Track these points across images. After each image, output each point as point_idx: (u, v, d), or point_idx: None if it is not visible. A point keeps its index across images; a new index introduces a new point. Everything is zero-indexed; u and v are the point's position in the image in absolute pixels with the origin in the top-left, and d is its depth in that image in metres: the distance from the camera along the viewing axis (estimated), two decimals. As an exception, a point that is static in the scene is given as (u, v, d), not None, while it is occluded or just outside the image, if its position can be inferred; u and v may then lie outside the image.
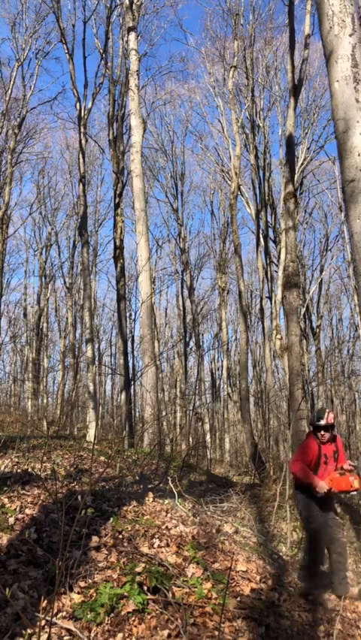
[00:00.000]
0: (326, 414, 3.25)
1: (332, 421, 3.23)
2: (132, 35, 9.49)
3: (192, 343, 20.62)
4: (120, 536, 2.87)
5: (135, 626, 2.07)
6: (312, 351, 18.85)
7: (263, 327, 15.02)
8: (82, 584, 2.29)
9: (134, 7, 9.74)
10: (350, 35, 2.49)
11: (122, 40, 11.78)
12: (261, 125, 14.93)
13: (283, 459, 8.99)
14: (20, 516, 2.87)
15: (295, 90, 7.71)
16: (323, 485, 3.11)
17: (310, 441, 3.25)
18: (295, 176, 9.60)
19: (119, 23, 12.21)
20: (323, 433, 3.22)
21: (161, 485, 4.34)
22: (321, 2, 2.64)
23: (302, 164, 14.08)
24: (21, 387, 19.20)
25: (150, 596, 2.26)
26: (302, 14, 10.48)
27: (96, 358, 14.59)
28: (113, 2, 11.90)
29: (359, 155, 2.37)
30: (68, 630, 1.96)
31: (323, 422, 3.21)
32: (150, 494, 3.78)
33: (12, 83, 14.29)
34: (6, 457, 4.50)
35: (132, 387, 12.26)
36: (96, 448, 7.15)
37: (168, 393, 21.09)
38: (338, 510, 3.86)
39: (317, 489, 3.10)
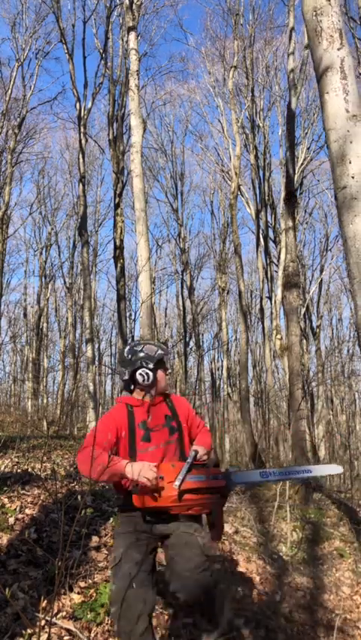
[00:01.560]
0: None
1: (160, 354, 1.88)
2: (132, 35, 9.49)
3: (192, 343, 20.63)
4: (120, 536, 2.87)
5: (135, 626, 2.06)
6: (312, 351, 18.85)
7: (263, 327, 15.03)
8: (82, 584, 2.29)
9: (134, 6, 9.74)
10: (339, 49, 2.58)
11: (122, 40, 11.78)
12: (261, 125, 14.93)
13: (284, 459, 9.00)
14: (20, 516, 2.87)
15: (295, 89, 7.71)
16: (139, 470, 1.62)
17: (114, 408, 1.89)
18: (295, 176, 9.60)
19: (119, 23, 12.22)
20: (143, 379, 1.84)
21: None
22: (309, 19, 2.74)
23: (302, 164, 14.07)
24: (21, 388, 19.20)
25: (150, 596, 2.26)
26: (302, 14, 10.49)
27: (96, 358, 14.59)
28: (112, 2, 11.90)
29: (350, 162, 2.45)
30: (68, 630, 1.96)
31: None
32: (150, 494, 3.78)
33: (12, 83, 14.29)
34: (6, 457, 4.50)
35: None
36: (96, 448, 7.13)
37: (168, 393, 21.06)
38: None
39: (129, 476, 1.63)
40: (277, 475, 2.00)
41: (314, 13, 2.69)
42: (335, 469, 2.06)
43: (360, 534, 4.17)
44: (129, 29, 9.50)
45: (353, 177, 2.45)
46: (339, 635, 2.55)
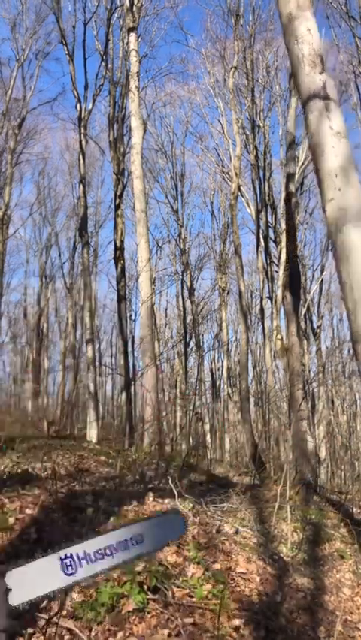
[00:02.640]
0: None
1: None
2: (132, 36, 9.51)
3: (192, 343, 20.63)
4: (120, 536, 2.86)
5: (135, 625, 2.07)
6: (312, 352, 18.85)
7: (263, 328, 15.03)
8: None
9: (134, 8, 9.76)
10: (320, 73, 2.81)
11: (123, 41, 11.79)
12: (261, 125, 14.94)
13: (284, 459, 8.99)
14: (20, 516, 2.87)
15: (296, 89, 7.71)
16: None
17: None
18: (296, 176, 9.61)
19: (120, 25, 12.23)
20: None
21: (161, 485, 4.34)
22: (292, 48, 2.96)
23: (303, 163, 14.08)
24: (21, 388, 19.21)
25: (150, 596, 2.26)
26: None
27: (97, 359, 14.60)
28: (113, 4, 11.92)
29: (336, 175, 2.61)
30: (69, 629, 1.96)
31: None
32: (150, 494, 3.78)
33: (12, 83, 14.32)
34: (6, 457, 4.50)
35: (132, 387, 12.26)
36: (97, 448, 7.15)
37: (169, 393, 21.09)
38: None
39: None
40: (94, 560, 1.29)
41: (296, 41, 2.89)
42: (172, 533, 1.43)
43: (360, 535, 4.16)
44: (129, 30, 9.52)
45: (339, 190, 2.60)
46: (340, 637, 2.55)
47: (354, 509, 5.59)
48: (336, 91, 2.87)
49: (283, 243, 11.55)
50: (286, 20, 3.03)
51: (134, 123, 9.02)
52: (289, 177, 7.80)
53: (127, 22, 9.68)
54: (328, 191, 2.63)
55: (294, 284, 7.09)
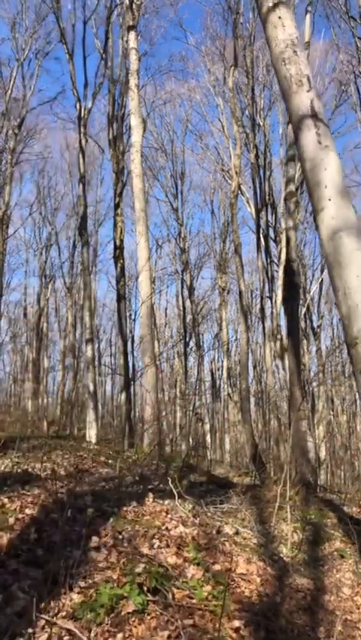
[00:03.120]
0: None
1: None
2: (132, 34, 9.49)
3: (192, 343, 20.62)
4: (120, 537, 2.86)
5: (135, 627, 2.06)
6: (312, 351, 18.84)
7: (263, 327, 15.01)
8: (82, 584, 2.29)
9: (134, 6, 9.74)
10: (308, 91, 2.98)
11: (122, 39, 11.77)
12: (261, 123, 14.92)
13: (284, 459, 8.98)
14: (20, 516, 2.87)
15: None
16: None
17: None
18: (296, 175, 9.60)
19: (119, 23, 12.21)
20: None
21: (161, 486, 4.33)
22: (279, 69, 3.14)
23: (303, 163, 14.05)
24: (21, 388, 19.21)
25: (150, 597, 2.26)
26: (302, 13, 10.48)
27: (96, 358, 14.60)
28: (113, 2, 11.90)
29: (326, 186, 2.76)
30: (68, 630, 1.95)
31: None
32: (150, 495, 3.78)
33: (12, 83, 14.30)
34: (6, 457, 4.49)
35: (132, 387, 12.26)
36: (96, 448, 7.15)
37: (168, 393, 21.08)
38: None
39: None
40: None
41: (283, 62, 3.09)
42: None
43: (360, 535, 4.16)
44: (129, 28, 9.50)
45: (329, 200, 2.73)
46: (340, 636, 2.54)
47: (354, 509, 5.59)
48: (322, 106, 3.06)
49: (283, 243, 11.54)
50: (273, 45, 3.25)
51: (134, 121, 9.00)
52: (289, 177, 7.80)
53: (127, 20, 9.67)
54: (319, 201, 2.78)
55: (292, 292, 7.11)
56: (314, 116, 2.90)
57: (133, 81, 9.15)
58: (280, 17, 3.16)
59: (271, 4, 3.22)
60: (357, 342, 2.54)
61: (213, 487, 5.52)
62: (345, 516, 4.80)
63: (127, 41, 9.98)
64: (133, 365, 15.33)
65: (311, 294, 18.64)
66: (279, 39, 3.13)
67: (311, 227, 20.63)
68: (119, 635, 2.00)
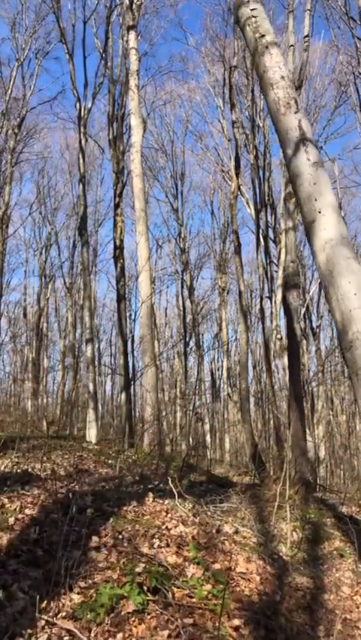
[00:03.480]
0: None
1: None
2: (132, 34, 9.49)
3: (192, 343, 20.62)
4: (120, 536, 2.87)
5: (135, 627, 2.07)
6: (312, 351, 18.85)
7: (263, 327, 15.01)
8: (82, 584, 2.29)
9: (134, 6, 9.74)
10: (295, 113, 3.20)
11: (122, 39, 11.77)
12: (261, 124, 14.93)
13: (284, 459, 8.98)
14: (20, 516, 2.87)
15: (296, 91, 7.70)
16: None
17: None
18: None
19: (119, 23, 12.21)
20: None
21: (161, 485, 4.34)
22: (268, 92, 3.36)
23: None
24: (21, 388, 19.20)
25: (150, 597, 2.26)
26: (302, 14, 10.49)
27: (96, 358, 14.59)
28: (113, 2, 11.90)
29: (316, 200, 2.94)
30: (68, 630, 1.96)
31: None
32: (150, 494, 3.78)
33: (12, 82, 14.30)
34: (6, 457, 4.50)
35: (132, 387, 12.26)
36: (96, 448, 7.15)
37: (168, 393, 21.08)
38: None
39: None
40: None
41: (271, 87, 3.34)
42: None
43: (360, 534, 4.16)
44: (129, 28, 9.50)
45: (319, 212, 2.89)
46: (339, 635, 2.55)
47: (353, 508, 5.59)
48: (309, 125, 3.28)
49: (283, 243, 11.54)
50: (262, 71, 3.50)
51: (134, 121, 9.01)
52: (289, 178, 7.81)
53: (127, 20, 9.67)
54: (310, 214, 2.93)
55: (291, 292, 7.13)
56: (303, 135, 3.12)
57: (133, 81, 9.15)
58: (267, 47, 3.46)
59: (258, 35, 3.51)
60: (352, 346, 2.63)
61: (213, 486, 5.52)
62: (344, 515, 4.81)
63: (127, 40, 9.98)
64: (133, 365, 15.33)
65: (311, 294, 18.65)
66: (267, 66, 3.42)
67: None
68: (119, 635, 2.00)
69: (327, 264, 2.81)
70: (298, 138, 3.12)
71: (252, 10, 3.69)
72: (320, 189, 2.96)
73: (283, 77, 3.35)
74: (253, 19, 3.64)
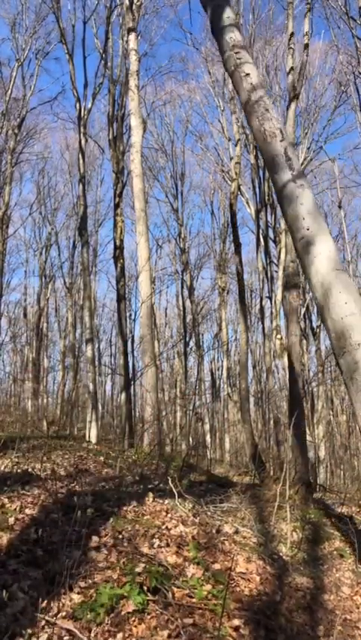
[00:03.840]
0: None
1: None
2: (132, 36, 9.49)
3: (192, 343, 20.62)
4: (120, 536, 2.87)
5: (135, 626, 2.07)
6: (312, 351, 18.84)
7: (263, 327, 15.02)
8: (82, 584, 2.29)
9: (134, 7, 9.74)
10: (281, 141, 3.45)
11: (122, 39, 11.77)
12: (261, 125, 14.91)
13: (284, 459, 8.99)
14: (20, 516, 2.87)
15: (295, 92, 7.71)
16: None
17: None
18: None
19: (119, 23, 12.22)
20: None
21: (161, 485, 4.34)
22: (254, 124, 3.61)
23: (302, 163, 14.06)
24: (21, 388, 19.20)
25: (150, 597, 2.26)
26: (301, 14, 10.49)
27: (96, 358, 14.59)
28: (113, 2, 11.90)
29: (304, 218, 3.15)
30: (68, 630, 1.96)
31: None
32: (150, 494, 3.78)
33: (12, 83, 14.30)
34: (6, 457, 4.50)
35: (132, 387, 12.26)
36: (96, 448, 7.15)
37: (168, 393, 21.09)
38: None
39: None
40: None
41: (257, 119, 3.59)
42: None
43: (360, 534, 4.17)
44: (129, 30, 9.50)
45: (308, 229, 3.14)
46: (339, 636, 2.55)
47: (353, 508, 5.59)
48: (295, 151, 3.47)
49: (283, 243, 11.55)
50: (246, 100, 3.77)
51: (134, 122, 9.01)
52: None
53: (127, 20, 9.67)
54: (298, 232, 3.18)
55: (291, 292, 7.10)
56: (289, 160, 3.37)
57: (133, 82, 9.16)
58: (252, 84, 3.75)
59: (243, 74, 3.80)
60: (345, 352, 2.79)
61: (213, 486, 5.52)
62: (345, 515, 4.81)
63: (127, 41, 9.98)
64: (133, 365, 15.33)
65: (311, 294, 18.63)
66: (252, 100, 3.71)
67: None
68: (119, 635, 2.00)
69: (317, 277, 3.04)
70: (283, 164, 3.40)
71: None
72: (307, 209, 3.21)
73: (268, 110, 3.66)
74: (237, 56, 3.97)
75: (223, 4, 4.15)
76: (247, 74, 3.80)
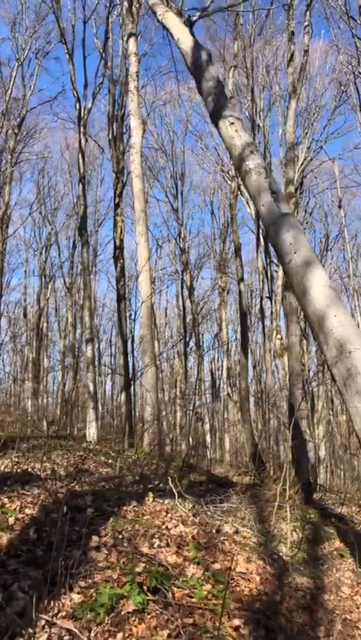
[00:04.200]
0: None
1: None
2: (132, 40, 9.51)
3: (192, 343, 20.62)
4: (120, 536, 2.87)
5: (135, 626, 2.07)
6: (312, 351, 18.85)
7: (263, 328, 15.02)
8: (82, 584, 2.29)
9: (133, 9, 9.75)
10: (265, 178, 3.86)
11: (122, 39, 11.77)
12: (261, 124, 14.93)
13: (284, 459, 9.00)
14: (20, 516, 2.87)
15: (295, 92, 7.71)
16: None
17: None
18: (295, 176, 9.61)
19: (119, 23, 12.22)
20: None
21: (161, 485, 4.34)
22: (240, 165, 3.99)
23: (302, 163, 14.08)
24: (21, 387, 19.20)
25: (150, 596, 2.26)
26: (301, 14, 10.49)
27: (96, 358, 14.59)
28: (112, 2, 11.91)
29: (290, 243, 3.49)
30: (68, 630, 1.96)
31: None
32: (150, 494, 3.78)
33: (12, 82, 14.31)
34: (6, 457, 4.50)
35: (132, 387, 12.26)
36: (96, 448, 7.15)
37: (168, 393, 21.09)
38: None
39: None
40: None
41: (243, 160, 3.97)
42: None
43: (359, 535, 4.17)
44: (130, 35, 9.51)
45: (295, 252, 3.43)
46: (339, 636, 2.55)
47: (353, 508, 5.60)
48: (279, 185, 3.89)
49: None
50: (233, 149, 4.12)
51: (134, 123, 9.01)
52: (289, 179, 7.81)
53: (126, 23, 9.67)
54: (286, 255, 3.49)
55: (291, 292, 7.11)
56: (274, 193, 3.74)
57: (133, 83, 9.16)
58: (236, 130, 4.14)
59: (228, 123, 4.18)
60: (337, 362, 3.00)
61: (213, 486, 5.52)
62: (345, 515, 4.81)
63: (127, 45, 9.98)
64: (133, 365, 15.33)
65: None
66: (237, 145, 4.09)
67: (311, 228, 20.65)
68: (119, 635, 2.00)
69: (305, 292, 3.29)
70: (269, 197, 3.73)
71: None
72: (293, 234, 3.50)
73: (252, 152, 4.03)
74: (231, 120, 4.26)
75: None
76: (232, 123, 4.11)
